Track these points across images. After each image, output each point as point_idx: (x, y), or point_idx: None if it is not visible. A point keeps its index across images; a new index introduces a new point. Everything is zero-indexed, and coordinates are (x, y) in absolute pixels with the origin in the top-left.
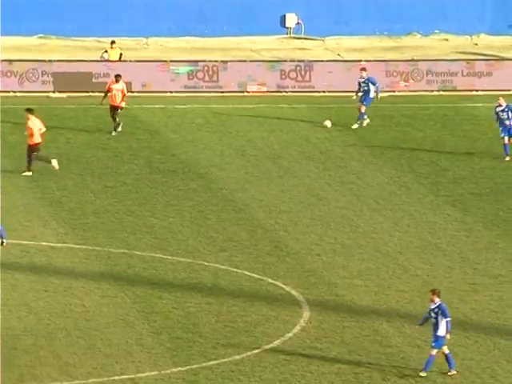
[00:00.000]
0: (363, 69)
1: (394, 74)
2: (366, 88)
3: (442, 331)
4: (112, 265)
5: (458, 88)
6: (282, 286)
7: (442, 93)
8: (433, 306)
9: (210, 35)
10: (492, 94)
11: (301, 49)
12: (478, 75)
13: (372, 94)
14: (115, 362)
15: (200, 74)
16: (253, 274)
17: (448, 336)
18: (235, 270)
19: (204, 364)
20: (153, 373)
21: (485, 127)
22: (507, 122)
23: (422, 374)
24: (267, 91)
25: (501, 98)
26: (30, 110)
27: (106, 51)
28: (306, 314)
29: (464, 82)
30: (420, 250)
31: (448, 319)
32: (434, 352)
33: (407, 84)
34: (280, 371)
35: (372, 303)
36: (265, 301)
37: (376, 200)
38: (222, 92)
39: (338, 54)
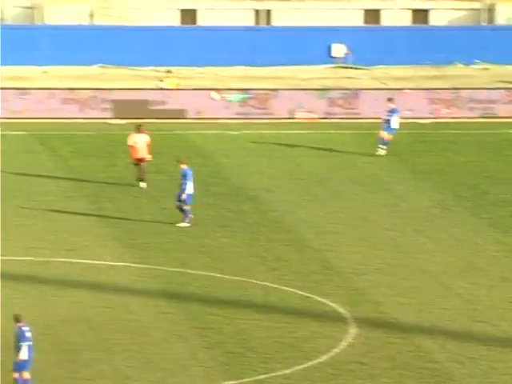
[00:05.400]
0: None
1: (437, 101)
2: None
3: (23, 355)
4: (167, 283)
5: (499, 115)
6: (330, 303)
7: (483, 119)
8: (16, 330)
9: (262, 65)
10: None
11: (347, 78)
12: None
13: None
14: (171, 375)
15: (252, 102)
16: (301, 292)
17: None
18: (285, 288)
19: (255, 378)
20: None
21: None
22: None
23: None
24: (316, 118)
25: None
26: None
27: (162, 80)
28: (353, 331)
29: (504, 109)
30: (462, 269)
31: (27, 343)
32: (16, 375)
33: (449, 111)
34: None
35: (415, 320)
36: (313, 318)
37: (419, 222)
38: (273, 119)
39: (383, 83)
